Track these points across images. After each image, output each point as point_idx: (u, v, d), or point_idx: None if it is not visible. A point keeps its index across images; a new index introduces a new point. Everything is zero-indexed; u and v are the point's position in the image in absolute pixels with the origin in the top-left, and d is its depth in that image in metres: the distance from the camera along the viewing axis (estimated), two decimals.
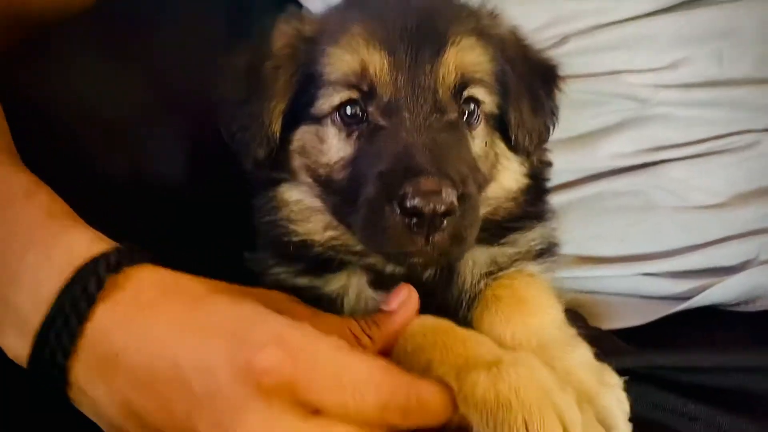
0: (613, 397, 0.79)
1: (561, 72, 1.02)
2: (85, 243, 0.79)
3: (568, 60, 1.10)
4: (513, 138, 0.95)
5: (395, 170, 0.80)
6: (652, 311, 1.05)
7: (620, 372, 0.84)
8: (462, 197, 0.79)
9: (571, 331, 0.88)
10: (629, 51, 1.12)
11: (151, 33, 1.21)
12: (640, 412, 0.82)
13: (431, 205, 0.76)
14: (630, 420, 0.80)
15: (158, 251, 0.84)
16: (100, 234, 0.82)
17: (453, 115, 0.89)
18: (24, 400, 0.89)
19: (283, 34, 0.95)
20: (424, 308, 0.87)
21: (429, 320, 0.84)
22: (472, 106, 0.92)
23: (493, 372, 0.73)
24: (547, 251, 0.98)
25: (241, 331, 0.72)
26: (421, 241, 0.79)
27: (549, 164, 1.03)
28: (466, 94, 0.91)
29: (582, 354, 0.84)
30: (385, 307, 0.84)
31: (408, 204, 0.76)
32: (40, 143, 1.01)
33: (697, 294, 1.06)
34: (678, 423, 0.85)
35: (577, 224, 1.11)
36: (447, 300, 0.92)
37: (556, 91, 1.01)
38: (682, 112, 1.11)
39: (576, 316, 0.99)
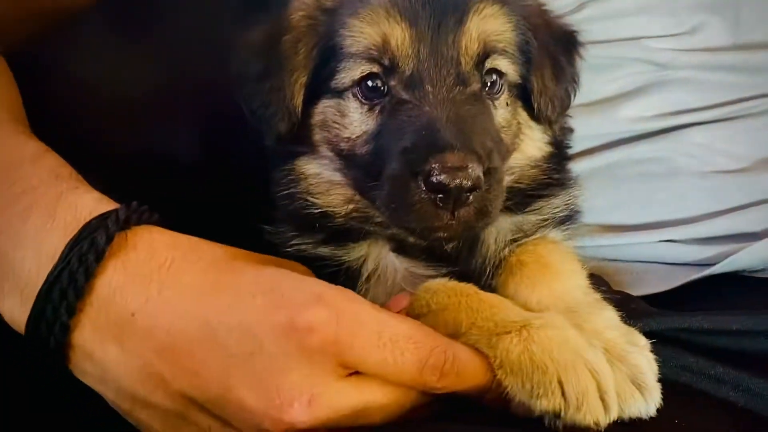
0: (643, 357, 0.79)
1: (581, 38, 1.00)
2: (92, 201, 0.78)
3: (585, 26, 1.08)
4: (535, 106, 0.94)
5: (419, 145, 0.79)
6: (677, 277, 1.04)
7: (646, 335, 0.83)
8: (488, 171, 0.78)
9: (596, 295, 0.88)
10: (648, 16, 1.11)
11: (164, 12, 1.20)
12: (667, 374, 0.81)
13: (457, 181, 0.75)
14: (658, 381, 0.80)
15: (173, 229, 0.83)
16: (106, 196, 0.80)
17: (476, 87, 0.87)
18: (24, 400, 0.89)
19: (301, 5, 0.93)
20: (448, 276, 0.87)
21: (451, 282, 0.84)
22: (494, 76, 0.90)
23: (524, 335, 0.73)
24: (569, 218, 0.97)
25: (278, 290, 0.71)
26: (446, 216, 0.78)
27: (570, 130, 1.02)
28: (488, 64, 0.89)
29: (609, 316, 0.83)
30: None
31: (434, 179, 0.76)
32: (55, 123, 1.01)
33: (722, 260, 1.04)
34: (705, 385, 0.83)
35: (600, 192, 1.10)
36: (470, 267, 0.92)
37: (577, 58, 0.99)
38: (703, 75, 1.10)
39: (600, 282, 0.97)
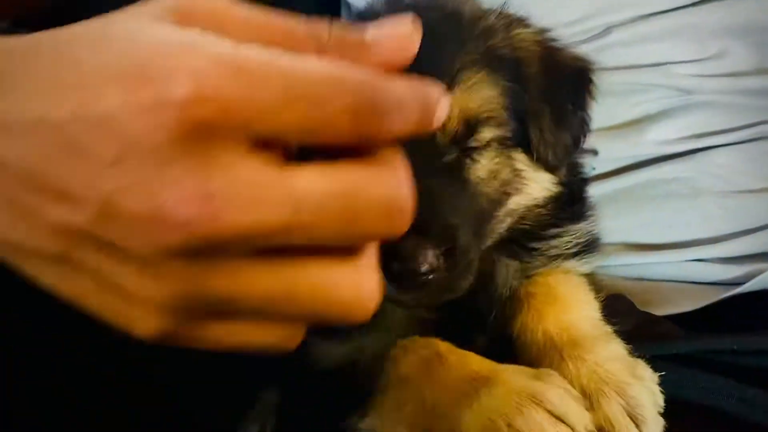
0: (644, 389, 0.75)
1: (595, 74, 0.92)
2: None
3: (610, 51, 1.08)
4: (534, 156, 0.87)
5: None
6: (704, 296, 1.01)
7: (673, 357, 0.81)
8: (450, 251, 0.74)
9: (606, 329, 0.84)
10: (673, 42, 1.09)
11: None
12: (693, 397, 0.80)
13: (411, 267, 0.72)
14: (683, 405, 0.77)
15: None
16: None
17: (451, 157, 0.81)
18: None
19: None
20: (457, 312, 0.85)
21: (418, 343, 0.82)
22: (476, 143, 0.83)
23: (475, 407, 0.72)
24: (585, 249, 0.93)
25: (138, 66, 0.48)
26: (408, 294, 0.76)
27: (593, 152, 1.01)
28: (470, 135, 0.82)
29: (614, 348, 0.80)
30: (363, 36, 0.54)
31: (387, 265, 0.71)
32: None
33: (749, 279, 1.01)
34: (734, 407, 0.81)
35: (625, 212, 1.08)
36: (480, 301, 0.89)
37: (588, 98, 0.91)
38: (726, 99, 1.08)
39: (624, 301, 0.96)
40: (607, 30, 1.09)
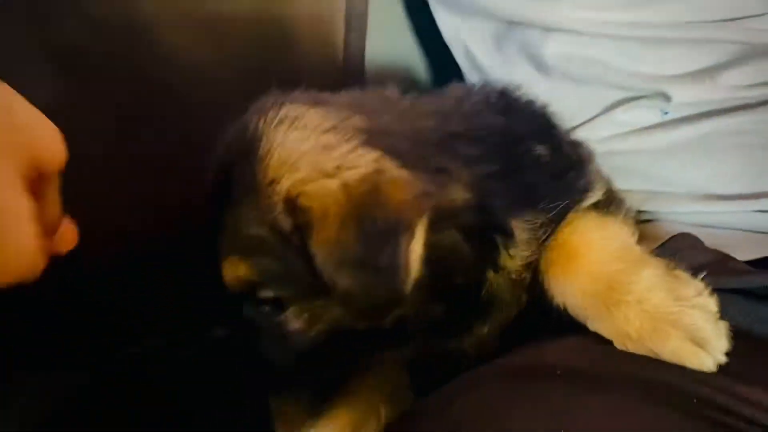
0: (694, 310, 0.73)
1: (418, 223, 0.72)
2: None
3: (680, 4, 1.05)
4: None
5: None
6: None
7: (744, 292, 0.80)
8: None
9: (634, 253, 0.81)
10: None
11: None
12: (764, 332, 0.78)
13: None
14: (757, 341, 0.76)
15: None
16: None
17: (259, 308, 0.81)
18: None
19: None
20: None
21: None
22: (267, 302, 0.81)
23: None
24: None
25: None
26: None
27: (665, 97, 1.00)
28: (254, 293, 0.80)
29: (649, 276, 0.76)
30: None
31: None
32: None
33: None
34: None
35: (694, 162, 1.07)
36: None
37: (404, 248, 0.71)
38: None
39: (691, 238, 0.94)
40: None
